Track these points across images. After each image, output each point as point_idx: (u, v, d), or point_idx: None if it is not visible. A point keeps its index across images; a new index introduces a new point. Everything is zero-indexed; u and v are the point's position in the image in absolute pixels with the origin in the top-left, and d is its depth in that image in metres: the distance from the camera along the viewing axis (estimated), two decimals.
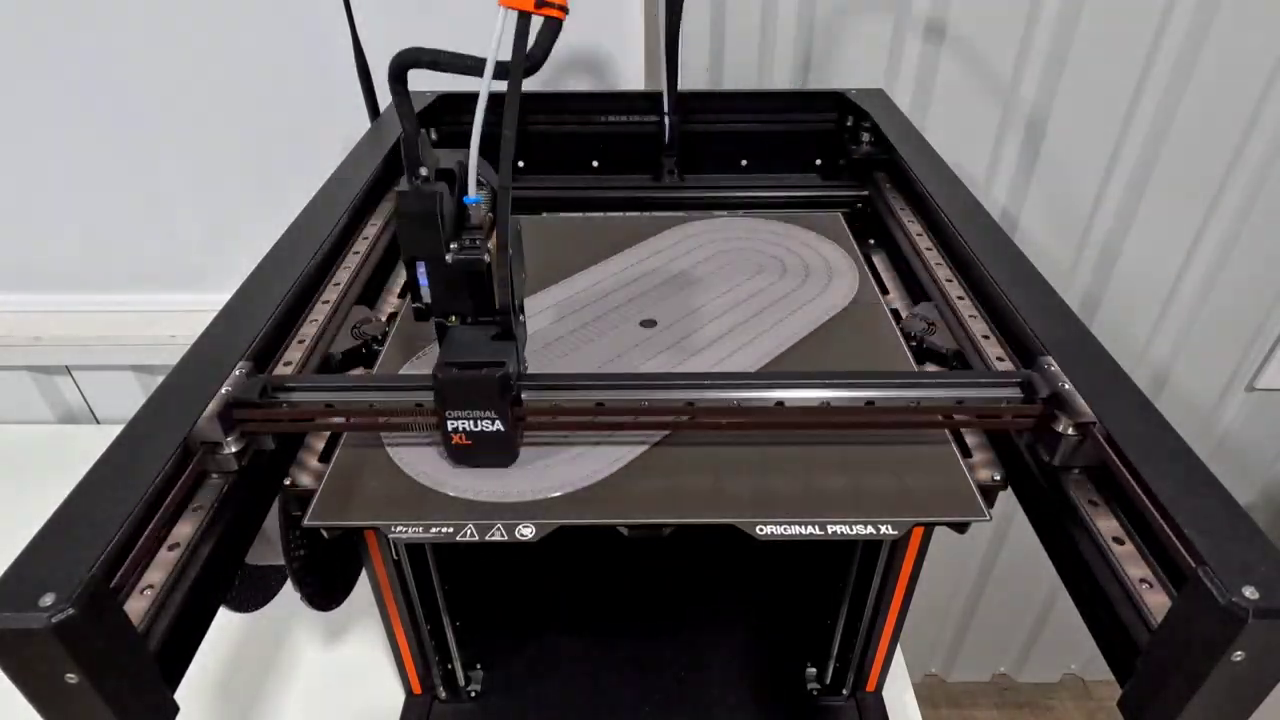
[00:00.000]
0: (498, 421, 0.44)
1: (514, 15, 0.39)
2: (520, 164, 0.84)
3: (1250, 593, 0.31)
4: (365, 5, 0.74)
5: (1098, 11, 0.91)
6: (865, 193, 0.78)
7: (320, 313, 0.57)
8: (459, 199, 0.45)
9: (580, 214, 0.79)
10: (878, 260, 0.72)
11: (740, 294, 0.64)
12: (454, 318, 0.46)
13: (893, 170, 0.75)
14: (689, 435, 0.49)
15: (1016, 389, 0.46)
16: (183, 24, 0.91)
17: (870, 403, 0.47)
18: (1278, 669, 0.32)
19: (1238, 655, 0.31)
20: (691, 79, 0.95)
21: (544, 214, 0.79)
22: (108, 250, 1.08)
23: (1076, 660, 1.66)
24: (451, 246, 0.44)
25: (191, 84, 0.95)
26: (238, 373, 0.46)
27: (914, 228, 0.68)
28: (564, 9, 0.39)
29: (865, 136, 0.80)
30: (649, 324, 0.61)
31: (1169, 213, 1.05)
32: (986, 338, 0.54)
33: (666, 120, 0.80)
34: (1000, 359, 0.52)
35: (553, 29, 0.40)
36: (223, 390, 0.44)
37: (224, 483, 0.43)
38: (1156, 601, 0.36)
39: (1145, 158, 1.01)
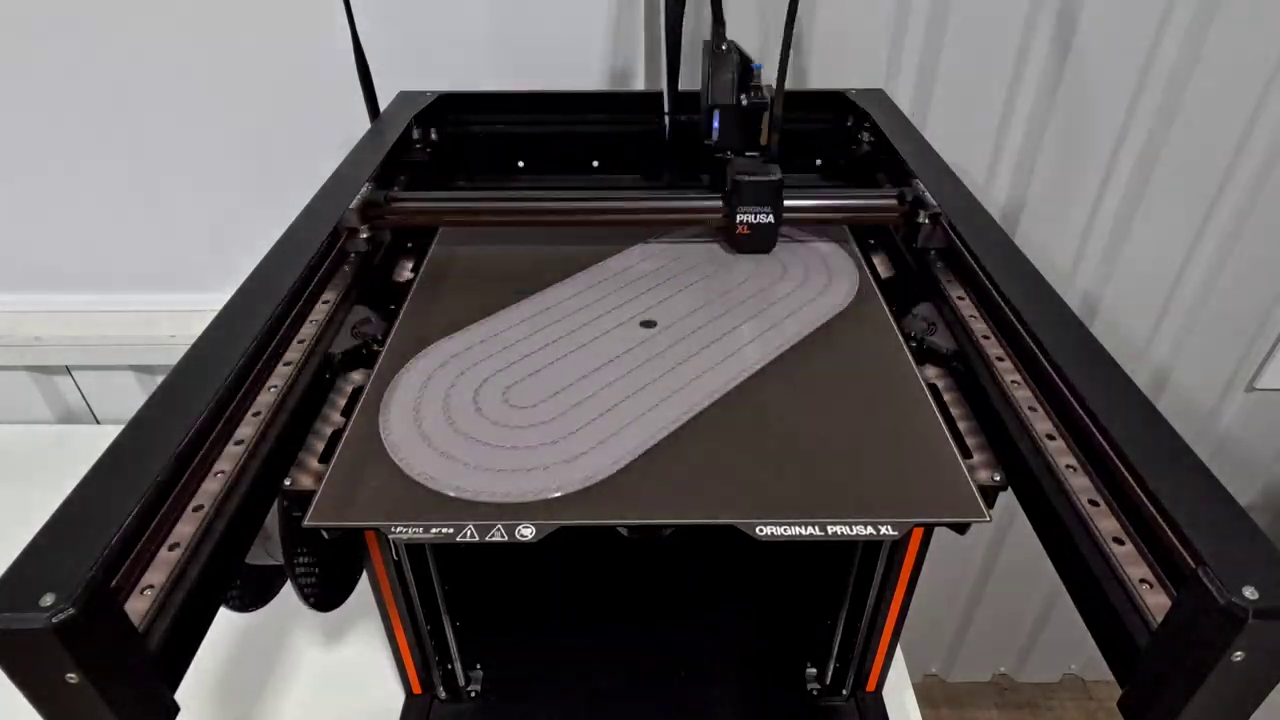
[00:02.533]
0: (771, 215, 0.65)
1: None
2: (520, 164, 0.84)
3: (1250, 593, 0.31)
4: (365, 5, 0.74)
5: (1098, 10, 0.91)
6: None
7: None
8: (748, 64, 0.66)
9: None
10: (878, 260, 0.72)
11: (740, 295, 0.64)
12: (728, 152, 0.66)
13: (893, 170, 0.75)
14: (688, 435, 0.50)
15: (895, 200, 0.67)
16: (182, 24, 0.91)
17: (790, 210, 0.67)
18: (1278, 669, 0.32)
19: (1238, 655, 0.31)
20: (692, 79, 0.95)
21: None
22: (108, 250, 1.08)
23: (1076, 660, 1.66)
24: (742, 96, 0.65)
25: (191, 84, 0.95)
26: (366, 188, 0.66)
27: None
28: None
29: (865, 136, 0.80)
30: (649, 325, 0.61)
31: (1169, 213, 1.05)
32: (987, 338, 0.54)
33: (666, 120, 0.80)
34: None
35: None
36: (358, 196, 0.64)
37: (358, 262, 0.62)
38: (1156, 601, 0.36)
39: (1145, 158, 1.01)
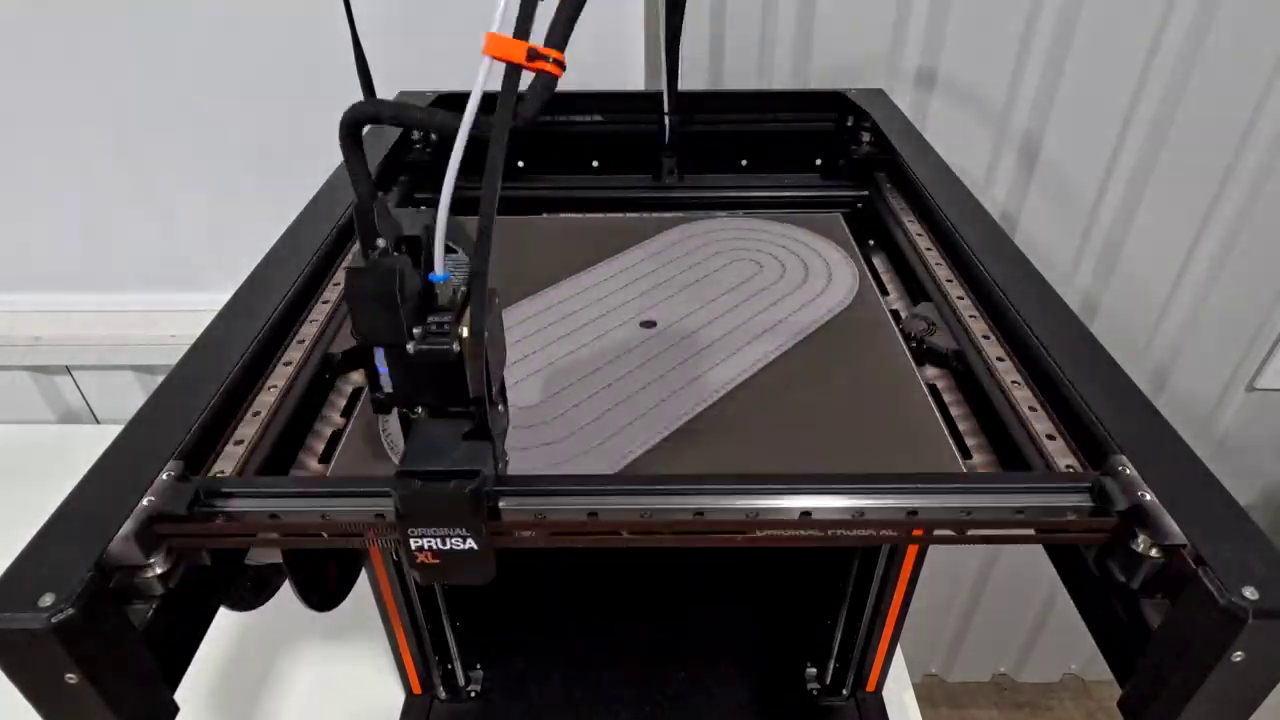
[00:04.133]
0: (470, 539, 0.37)
1: (500, 67, 0.33)
2: (520, 164, 0.84)
3: (1250, 593, 0.31)
4: (365, 5, 0.74)
5: (1098, 10, 0.91)
6: (865, 193, 0.78)
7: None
8: (424, 274, 0.37)
9: (580, 214, 0.79)
10: (878, 260, 0.72)
11: (740, 295, 0.64)
12: (420, 409, 0.39)
13: (893, 170, 0.75)
14: (688, 436, 0.49)
15: (1086, 495, 0.39)
16: (183, 23, 0.91)
17: (912, 512, 0.40)
18: (1278, 669, 0.32)
19: (1238, 655, 0.31)
20: (691, 79, 0.95)
21: (544, 214, 0.79)
22: (108, 250, 1.08)
23: (1076, 660, 1.66)
24: (415, 332, 0.36)
25: (192, 83, 0.95)
26: (165, 477, 0.39)
27: (914, 228, 0.68)
28: (561, 65, 0.33)
29: (865, 136, 0.80)
30: (649, 325, 0.60)
31: (1169, 213, 1.05)
32: (987, 338, 0.54)
33: (666, 120, 0.80)
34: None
35: (546, 85, 0.34)
36: (144, 502, 0.37)
37: (148, 609, 0.37)
38: (1156, 602, 0.36)
39: (1145, 158, 1.01)
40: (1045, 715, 1.68)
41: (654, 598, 0.87)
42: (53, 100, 0.96)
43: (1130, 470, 0.39)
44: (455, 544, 0.38)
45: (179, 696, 0.37)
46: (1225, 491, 0.37)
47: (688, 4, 0.75)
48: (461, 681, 0.77)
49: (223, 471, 0.43)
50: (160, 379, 0.45)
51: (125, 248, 1.07)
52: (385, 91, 0.80)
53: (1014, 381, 0.49)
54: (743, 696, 0.78)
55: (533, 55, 0.33)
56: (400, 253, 0.37)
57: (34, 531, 0.36)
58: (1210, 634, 0.32)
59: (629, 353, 0.57)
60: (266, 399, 0.48)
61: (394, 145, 0.74)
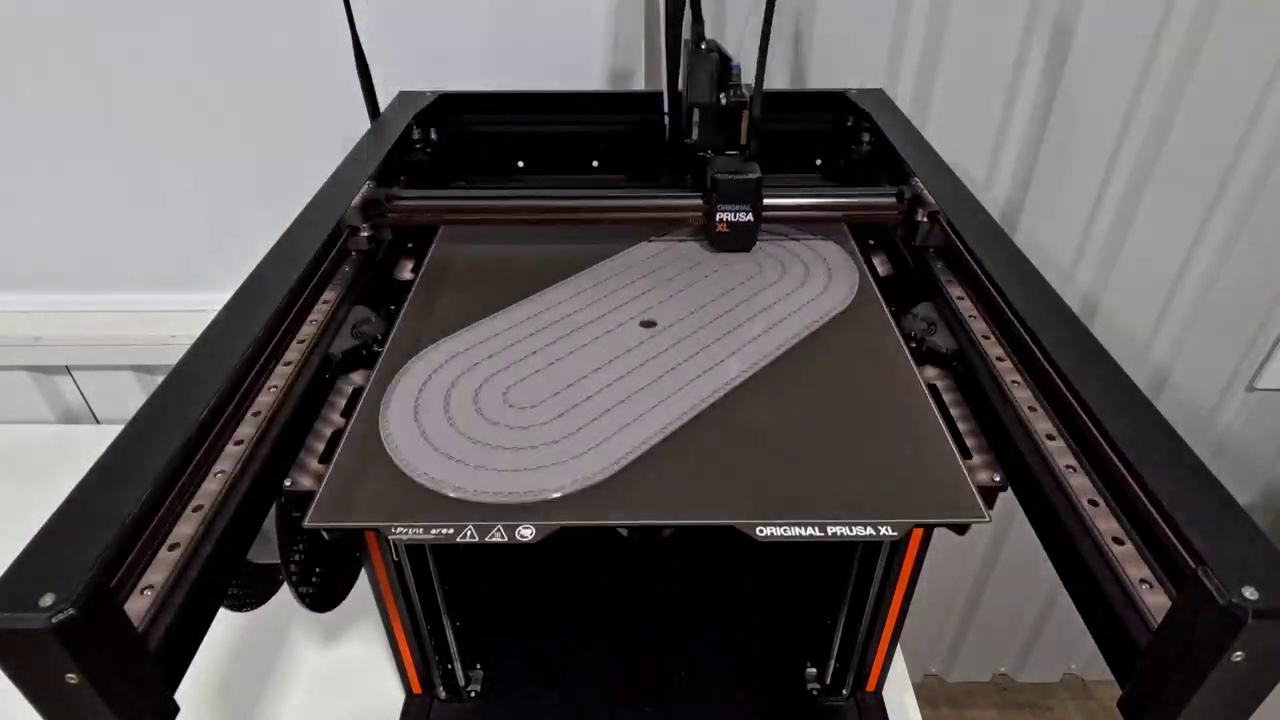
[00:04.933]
0: (750, 214, 0.66)
1: None
2: (520, 164, 0.84)
3: (1250, 593, 0.31)
4: (365, 5, 0.74)
5: (1098, 10, 0.91)
6: None
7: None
8: (726, 63, 0.66)
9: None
10: (877, 260, 0.72)
11: (740, 295, 0.64)
12: (709, 151, 0.68)
13: (893, 170, 0.75)
14: (688, 436, 0.49)
15: (893, 198, 0.67)
16: (183, 23, 0.91)
17: (788, 209, 0.68)
18: (1278, 669, 0.32)
19: (1238, 655, 0.31)
20: None
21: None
22: (108, 250, 1.08)
23: (1076, 660, 1.66)
24: (720, 96, 0.66)
25: (191, 83, 0.95)
26: (368, 186, 0.66)
27: None
28: None
29: (865, 136, 0.80)
30: (649, 325, 0.61)
31: (1169, 212, 1.05)
32: (987, 338, 0.54)
33: (666, 120, 0.80)
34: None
35: None
36: (361, 193, 0.65)
37: (359, 261, 0.63)
38: (1156, 602, 0.36)
39: (1145, 158, 1.01)
40: (1045, 715, 1.68)
41: (654, 598, 0.87)
42: (52, 100, 0.96)
43: (917, 181, 0.67)
44: (740, 216, 0.66)
45: (179, 696, 0.37)
46: (1225, 491, 0.37)
47: (687, 4, 0.75)
48: (461, 681, 0.77)
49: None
50: (160, 379, 0.45)
51: (125, 248, 1.07)
52: (385, 91, 0.81)
53: (1014, 381, 0.49)
54: (743, 696, 0.78)
55: None
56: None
57: (34, 531, 0.36)
58: (1210, 634, 0.32)
59: (629, 353, 0.57)
60: (265, 399, 0.48)
61: (394, 145, 0.75)
